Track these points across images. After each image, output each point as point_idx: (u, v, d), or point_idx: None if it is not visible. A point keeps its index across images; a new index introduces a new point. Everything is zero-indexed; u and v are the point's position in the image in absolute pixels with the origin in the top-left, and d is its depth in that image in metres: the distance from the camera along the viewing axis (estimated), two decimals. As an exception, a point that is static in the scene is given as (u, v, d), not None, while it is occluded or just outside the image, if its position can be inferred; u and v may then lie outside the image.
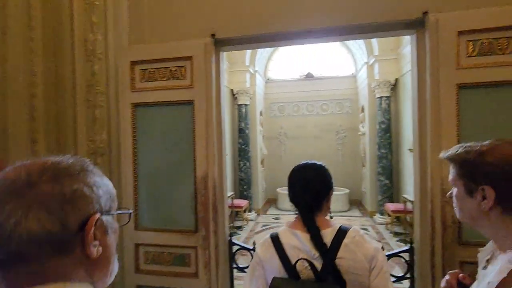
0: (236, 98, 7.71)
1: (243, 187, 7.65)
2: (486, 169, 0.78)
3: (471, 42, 1.66)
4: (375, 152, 7.16)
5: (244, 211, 7.08)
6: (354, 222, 7.08)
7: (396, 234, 6.06)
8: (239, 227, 6.81)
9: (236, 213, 7.03)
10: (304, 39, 2.04)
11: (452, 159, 0.88)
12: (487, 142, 0.83)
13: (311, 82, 8.79)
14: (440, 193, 1.69)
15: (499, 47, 1.64)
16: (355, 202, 8.54)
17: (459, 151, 0.87)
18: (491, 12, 1.64)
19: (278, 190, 8.65)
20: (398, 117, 7.05)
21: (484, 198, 0.79)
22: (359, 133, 8.27)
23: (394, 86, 7.00)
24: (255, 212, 7.83)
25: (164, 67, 2.07)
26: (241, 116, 7.64)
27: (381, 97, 6.97)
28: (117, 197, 0.61)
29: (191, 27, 2.10)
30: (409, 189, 6.25)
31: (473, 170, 0.82)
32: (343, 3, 1.88)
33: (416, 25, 1.85)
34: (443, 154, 0.93)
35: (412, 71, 1.94)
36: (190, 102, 2.02)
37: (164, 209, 2.10)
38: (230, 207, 6.42)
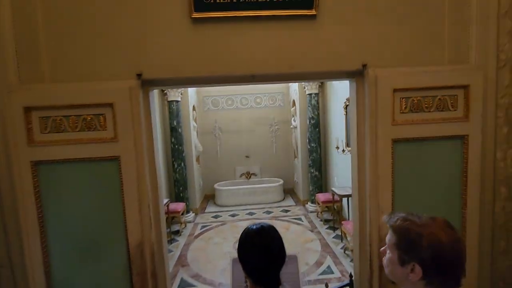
0: (166, 94, 7.05)
1: (179, 189, 7.27)
2: (420, 251, 0.91)
3: (404, 99, 1.77)
4: (306, 145, 7.61)
5: (182, 214, 6.78)
6: (290, 211, 7.56)
7: (325, 221, 6.68)
8: (177, 232, 6.53)
9: (172, 218, 6.68)
10: (247, 83, 1.87)
11: (394, 230, 0.99)
12: (426, 219, 0.95)
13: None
14: (378, 239, 1.83)
15: (425, 105, 1.78)
16: (288, 191, 9.08)
17: (402, 224, 0.97)
18: (418, 73, 1.76)
19: (216, 186, 8.55)
20: (325, 114, 7.57)
21: (412, 271, 0.92)
22: (291, 126, 8.64)
23: (322, 84, 7.41)
24: (193, 212, 7.60)
25: (75, 115, 1.63)
26: (173, 113, 7.07)
27: (310, 94, 7.32)
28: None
29: (110, 64, 1.68)
30: (336, 181, 6.92)
31: (409, 248, 0.93)
32: (288, 52, 1.76)
33: (356, 74, 1.87)
34: (386, 219, 1.03)
35: (352, 117, 1.99)
36: (114, 158, 1.66)
37: (91, 285, 1.75)
38: (166, 213, 6.04)
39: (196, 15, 1.68)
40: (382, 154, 1.77)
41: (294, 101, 8.35)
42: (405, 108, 1.78)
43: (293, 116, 8.55)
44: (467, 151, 1.79)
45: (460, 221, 1.84)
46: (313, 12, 1.74)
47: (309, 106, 7.36)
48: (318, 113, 7.37)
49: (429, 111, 1.78)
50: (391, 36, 1.83)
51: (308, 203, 7.70)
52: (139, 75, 1.69)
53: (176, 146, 7.14)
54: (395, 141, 1.77)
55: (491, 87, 1.86)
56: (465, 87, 1.76)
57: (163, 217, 1.88)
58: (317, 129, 7.37)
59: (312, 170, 7.48)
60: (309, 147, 7.48)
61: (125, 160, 1.66)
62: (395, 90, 1.74)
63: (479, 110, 1.77)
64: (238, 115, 9.02)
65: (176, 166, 7.18)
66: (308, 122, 7.42)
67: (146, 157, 1.73)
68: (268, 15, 1.73)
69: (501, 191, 1.95)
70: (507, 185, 1.94)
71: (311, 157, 7.47)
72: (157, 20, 1.70)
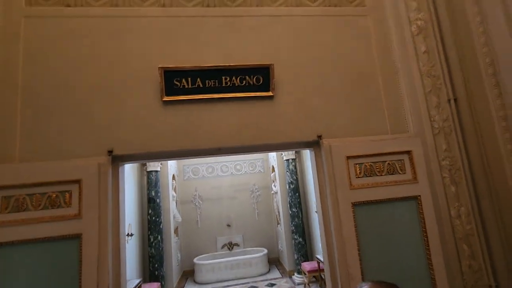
0: (145, 164, 7.07)
1: (154, 266, 6.66)
2: None
3: (357, 165, 1.94)
4: (288, 210, 7.53)
5: (156, 296, 6.06)
6: (276, 285, 6.98)
7: (314, 294, 6.19)
8: (149, 320, 5.73)
9: (144, 302, 5.94)
10: (215, 155, 2.01)
11: None
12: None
13: (224, 144, 8.96)
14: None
15: (377, 170, 1.96)
16: (273, 261, 8.56)
17: None
18: (366, 141, 1.99)
19: (195, 260, 7.93)
20: (303, 178, 7.74)
21: None
22: (272, 192, 8.67)
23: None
24: (169, 293, 6.83)
25: (40, 193, 1.65)
26: (151, 183, 6.97)
27: (288, 159, 7.60)
28: None
29: (82, 142, 1.79)
30: (320, 247, 6.68)
31: None
32: (250, 128, 1.98)
33: (313, 144, 2.07)
34: None
35: (314, 183, 2.12)
36: (75, 237, 1.62)
37: None
38: (137, 296, 5.38)
39: (166, 98, 1.90)
40: (344, 217, 1.84)
41: (273, 166, 8.58)
42: (360, 173, 1.94)
43: (273, 181, 8.65)
44: (422, 211, 1.90)
45: (431, 283, 1.84)
46: (270, 93, 2.02)
47: (287, 171, 7.56)
48: (297, 178, 7.53)
49: (381, 175, 1.95)
50: (339, 112, 2.11)
51: (295, 274, 7.22)
52: (110, 152, 1.79)
53: (154, 218, 6.83)
54: (355, 204, 1.88)
55: (432, 151, 2.10)
56: (408, 153, 1.98)
57: (124, 301, 1.73)
58: (297, 194, 7.42)
59: (295, 237, 7.24)
60: (290, 212, 7.40)
61: (87, 238, 1.61)
62: (348, 157, 1.92)
63: (425, 172, 1.97)
64: (218, 182, 9.01)
65: (152, 239, 6.73)
66: (287, 187, 7.50)
67: (111, 234, 1.70)
68: (232, 97, 1.98)
69: (464, 248, 2.01)
70: (468, 243, 2.02)
71: (293, 222, 7.32)
72: (131, 103, 1.90)
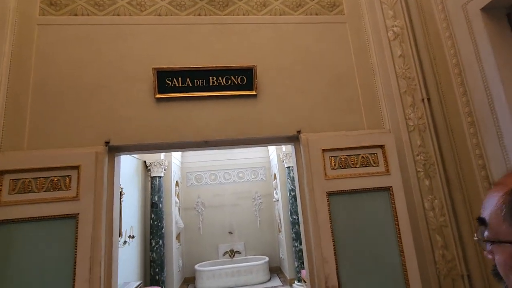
0: (149, 170, 7.31)
1: (155, 270, 6.76)
2: None
3: (332, 158, 2.09)
4: (288, 218, 7.58)
5: (156, 301, 6.14)
6: (275, 294, 6.95)
7: (313, 302, 6.14)
8: (149, 323, 5.78)
9: (145, 305, 6.02)
10: (202, 148, 2.19)
11: None
12: None
13: (227, 151, 9.18)
14: (324, 285, 1.86)
15: (352, 162, 2.10)
16: (275, 270, 8.52)
17: None
18: (341, 136, 2.14)
19: (197, 267, 7.98)
20: (304, 185, 7.81)
21: None
22: (273, 199, 8.74)
23: (298, 157, 7.90)
24: (169, 299, 6.88)
25: (44, 177, 1.85)
26: (154, 189, 7.18)
27: (289, 167, 7.72)
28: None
29: (82, 134, 2.01)
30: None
31: None
32: (235, 123, 2.17)
33: (293, 139, 2.23)
34: None
35: (295, 175, 2.27)
36: (73, 216, 1.81)
37: None
38: (137, 299, 5.47)
39: (159, 96, 2.11)
40: (319, 205, 1.98)
41: (275, 174, 8.69)
42: (335, 165, 2.08)
43: (274, 189, 8.74)
44: (394, 201, 2.02)
45: (402, 270, 1.93)
46: (253, 92, 2.21)
47: (288, 178, 7.65)
48: (297, 185, 7.60)
49: (355, 167, 2.09)
50: (319, 109, 2.28)
51: (295, 282, 7.18)
52: (107, 142, 1.99)
53: (156, 222, 6.99)
54: (330, 194, 2.01)
55: (407, 146, 2.24)
56: (381, 147, 2.12)
57: (116, 282, 1.89)
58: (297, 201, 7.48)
59: (296, 244, 7.24)
60: (291, 219, 7.44)
61: (83, 217, 1.80)
62: (324, 150, 2.07)
63: (397, 164, 2.09)
64: (221, 190, 9.15)
65: (153, 244, 6.87)
66: (288, 194, 7.58)
67: (104, 216, 1.87)
68: (218, 95, 2.19)
69: (437, 239, 2.10)
70: (441, 234, 2.11)
71: (293, 229, 7.34)
72: (127, 99, 2.12)
